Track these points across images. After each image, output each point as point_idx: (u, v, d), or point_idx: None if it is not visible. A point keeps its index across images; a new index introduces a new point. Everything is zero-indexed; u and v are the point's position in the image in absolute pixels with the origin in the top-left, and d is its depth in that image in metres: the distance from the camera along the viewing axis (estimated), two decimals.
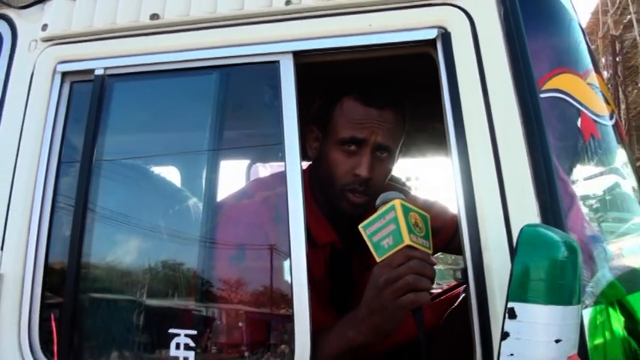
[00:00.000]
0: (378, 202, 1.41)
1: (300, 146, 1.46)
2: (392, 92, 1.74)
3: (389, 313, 1.31)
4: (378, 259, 1.32)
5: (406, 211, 1.32)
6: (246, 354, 1.53)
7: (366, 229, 1.35)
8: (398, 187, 2.10)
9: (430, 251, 1.34)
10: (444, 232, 2.13)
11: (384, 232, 1.32)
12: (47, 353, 1.57)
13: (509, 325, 1.02)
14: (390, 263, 1.29)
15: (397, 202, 1.33)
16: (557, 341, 1.00)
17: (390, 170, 1.79)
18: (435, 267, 1.34)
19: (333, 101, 1.75)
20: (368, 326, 1.37)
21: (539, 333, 1.00)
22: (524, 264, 1.02)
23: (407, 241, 1.28)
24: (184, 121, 1.76)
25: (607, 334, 1.29)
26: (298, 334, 1.35)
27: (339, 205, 1.72)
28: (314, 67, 1.53)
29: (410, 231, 1.30)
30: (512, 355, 1.02)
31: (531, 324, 1.01)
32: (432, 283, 1.31)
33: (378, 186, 1.72)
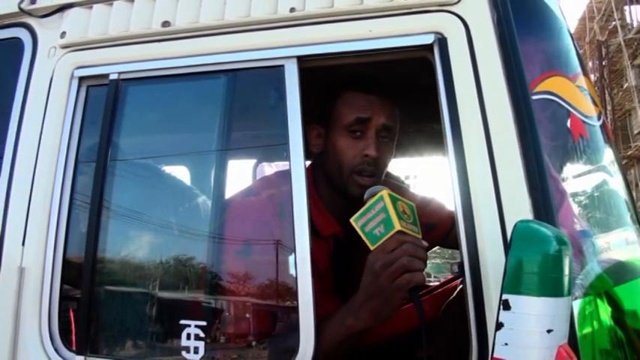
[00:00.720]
0: (366, 196, 1.42)
1: (305, 145, 1.45)
2: (387, 86, 1.75)
3: (387, 296, 1.31)
4: (372, 248, 1.33)
5: (394, 200, 1.34)
6: (253, 344, 1.53)
7: (357, 221, 1.36)
8: (397, 185, 2.10)
9: (420, 236, 1.35)
10: (440, 228, 2.12)
11: (375, 222, 1.33)
12: (66, 342, 1.57)
13: (504, 316, 1.01)
14: (384, 249, 1.30)
15: (385, 192, 1.35)
16: (549, 331, 0.99)
17: (391, 156, 1.80)
18: (433, 261, 1.34)
19: (333, 97, 1.76)
20: (366, 312, 1.37)
21: (532, 323, 0.99)
22: (517, 258, 1.02)
23: (398, 227, 1.30)
24: (194, 123, 1.75)
25: (595, 323, 1.29)
26: (303, 325, 1.34)
27: (349, 190, 1.72)
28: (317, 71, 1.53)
29: (399, 218, 1.31)
30: (506, 344, 1.01)
31: (525, 315, 1.00)
32: (425, 264, 1.32)
33: (383, 168, 1.75)
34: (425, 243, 1.34)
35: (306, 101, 1.48)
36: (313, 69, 1.52)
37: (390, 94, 1.75)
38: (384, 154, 1.73)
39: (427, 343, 1.31)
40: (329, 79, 1.72)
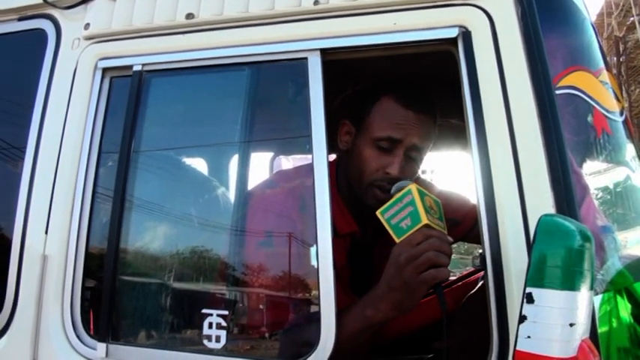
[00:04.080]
0: (393, 190, 1.42)
1: (327, 139, 1.45)
2: (429, 97, 1.73)
3: (410, 289, 1.32)
4: (397, 240, 1.33)
5: (422, 194, 1.35)
6: (273, 334, 1.54)
7: (383, 214, 1.36)
8: (421, 179, 2.10)
9: (445, 231, 1.35)
10: (465, 223, 2.12)
11: (402, 215, 1.33)
12: (88, 329, 1.59)
13: (527, 309, 1.02)
14: (410, 242, 1.30)
15: (413, 187, 1.35)
16: (571, 325, 1.00)
17: (417, 171, 1.78)
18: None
19: (370, 99, 1.73)
20: (387, 303, 1.37)
21: (555, 317, 1.00)
22: (541, 251, 1.02)
23: (425, 221, 1.30)
24: (217, 115, 1.77)
25: (614, 320, 1.28)
26: (324, 317, 1.35)
27: (364, 198, 1.72)
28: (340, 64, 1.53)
29: (426, 212, 1.32)
30: (529, 337, 1.02)
31: (548, 308, 1.01)
32: (450, 259, 1.32)
33: None
34: (450, 238, 1.34)
35: (331, 93, 1.48)
36: (339, 62, 1.53)
37: (429, 108, 1.72)
38: (408, 173, 1.70)
39: (450, 329, 1.32)
40: (370, 80, 1.72)
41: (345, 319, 1.41)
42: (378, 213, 1.37)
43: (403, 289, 1.33)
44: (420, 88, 1.72)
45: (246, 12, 1.58)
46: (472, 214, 2.04)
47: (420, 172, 1.87)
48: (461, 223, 2.10)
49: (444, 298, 1.32)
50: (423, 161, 1.80)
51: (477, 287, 1.75)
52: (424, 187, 1.46)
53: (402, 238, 1.32)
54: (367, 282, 1.78)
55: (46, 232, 1.64)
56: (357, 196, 1.75)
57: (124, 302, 1.62)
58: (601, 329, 1.20)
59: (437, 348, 1.96)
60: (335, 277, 1.37)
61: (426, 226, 1.30)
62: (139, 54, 1.68)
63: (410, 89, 1.71)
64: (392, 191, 1.42)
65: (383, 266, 1.38)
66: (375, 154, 1.68)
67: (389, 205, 1.36)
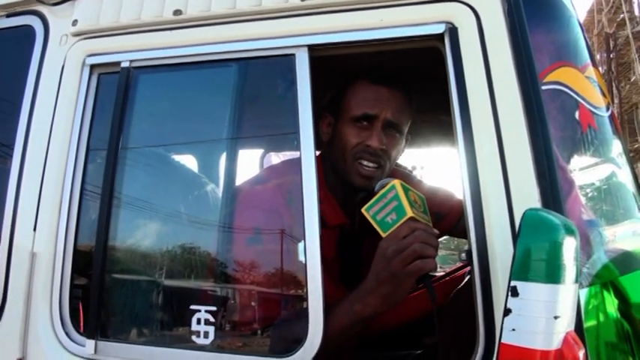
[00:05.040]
0: (376, 188, 1.44)
1: (315, 135, 1.46)
2: (400, 75, 1.76)
3: (398, 281, 1.33)
4: (383, 235, 1.35)
5: (405, 189, 1.37)
6: (262, 330, 1.55)
7: (369, 210, 1.38)
8: (405, 174, 2.11)
9: (431, 224, 1.37)
10: (450, 217, 2.14)
11: (387, 210, 1.35)
12: (77, 327, 1.59)
13: (512, 303, 1.03)
14: (396, 235, 1.32)
15: (397, 182, 1.37)
16: (556, 317, 1.01)
17: (399, 150, 1.82)
18: (438, 252, 1.35)
19: (343, 86, 1.78)
20: (376, 298, 1.38)
21: (539, 310, 1.01)
22: (526, 245, 1.03)
23: (410, 214, 1.32)
24: (205, 112, 1.76)
25: (601, 315, 1.29)
26: (311, 313, 1.36)
27: (351, 179, 1.74)
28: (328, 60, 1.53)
29: (411, 205, 1.33)
30: (514, 330, 1.02)
31: (532, 301, 1.01)
32: (436, 251, 1.33)
33: (390, 160, 1.76)
34: (436, 231, 1.36)
35: (318, 90, 1.49)
36: (325, 58, 1.53)
37: (401, 86, 1.76)
38: (390, 147, 1.74)
39: (435, 329, 1.33)
40: (340, 68, 1.73)
41: (334, 314, 1.42)
42: (363, 210, 1.38)
43: (391, 282, 1.34)
44: (388, 68, 1.75)
45: (233, 8, 1.58)
46: (457, 207, 2.06)
47: (410, 168, 1.88)
48: (446, 216, 2.12)
49: (433, 289, 1.34)
50: (404, 144, 1.83)
51: (464, 282, 1.76)
52: (412, 184, 1.47)
53: (388, 233, 1.33)
54: (357, 274, 1.79)
55: (35, 230, 1.64)
56: (344, 180, 1.77)
57: (113, 299, 1.62)
58: (588, 324, 1.21)
59: (426, 344, 1.97)
60: (323, 271, 1.38)
61: (412, 219, 1.32)
62: (126, 50, 1.68)
63: (380, 70, 1.74)
64: (375, 189, 1.43)
65: (372, 259, 1.38)
66: (354, 132, 1.73)
67: (374, 202, 1.38)
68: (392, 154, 1.77)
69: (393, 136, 1.76)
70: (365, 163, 1.72)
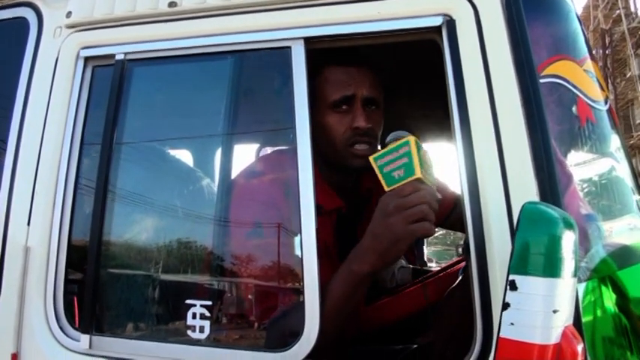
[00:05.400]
0: (389, 138, 1.42)
1: (311, 128, 1.45)
2: (360, 52, 1.75)
3: (396, 238, 1.30)
4: (387, 189, 1.31)
5: (419, 147, 1.32)
6: (258, 323, 1.54)
7: (377, 160, 1.34)
8: None
9: (435, 189, 1.34)
10: (442, 208, 2.12)
11: (395, 164, 1.31)
12: (71, 321, 1.58)
13: (510, 297, 1.02)
14: (400, 192, 1.29)
15: (412, 138, 1.32)
16: (554, 312, 1.00)
17: (381, 123, 1.81)
18: (434, 247, 1.34)
19: (313, 76, 1.72)
20: (372, 254, 1.36)
21: (538, 304, 1.00)
22: (524, 239, 1.03)
23: (418, 174, 1.28)
24: (200, 105, 1.75)
25: (599, 310, 1.29)
26: (308, 306, 1.35)
27: (347, 163, 1.74)
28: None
29: (421, 166, 1.30)
30: (512, 324, 1.02)
31: (531, 295, 1.01)
32: (434, 217, 1.31)
33: (377, 136, 1.77)
34: (439, 195, 1.33)
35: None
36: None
37: (364, 61, 1.76)
38: (375, 123, 1.75)
39: (431, 326, 1.32)
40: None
41: (332, 282, 1.42)
42: (371, 158, 1.34)
43: (388, 237, 1.31)
44: (352, 48, 1.71)
45: (229, 0, 1.56)
46: (450, 198, 2.05)
47: None
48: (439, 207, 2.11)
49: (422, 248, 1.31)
50: (383, 116, 1.82)
51: (460, 277, 1.75)
52: None
53: (391, 188, 1.30)
54: None
55: (29, 224, 1.63)
56: (340, 167, 1.77)
57: (107, 294, 1.60)
58: (586, 319, 1.20)
59: (422, 342, 1.97)
60: (325, 257, 1.36)
61: (419, 180, 1.29)
62: (121, 42, 1.66)
63: (341, 52, 1.72)
64: (388, 139, 1.40)
65: None
66: (337, 119, 1.72)
67: (384, 153, 1.33)
68: (377, 130, 1.78)
69: (374, 111, 1.76)
70: (357, 146, 1.72)
